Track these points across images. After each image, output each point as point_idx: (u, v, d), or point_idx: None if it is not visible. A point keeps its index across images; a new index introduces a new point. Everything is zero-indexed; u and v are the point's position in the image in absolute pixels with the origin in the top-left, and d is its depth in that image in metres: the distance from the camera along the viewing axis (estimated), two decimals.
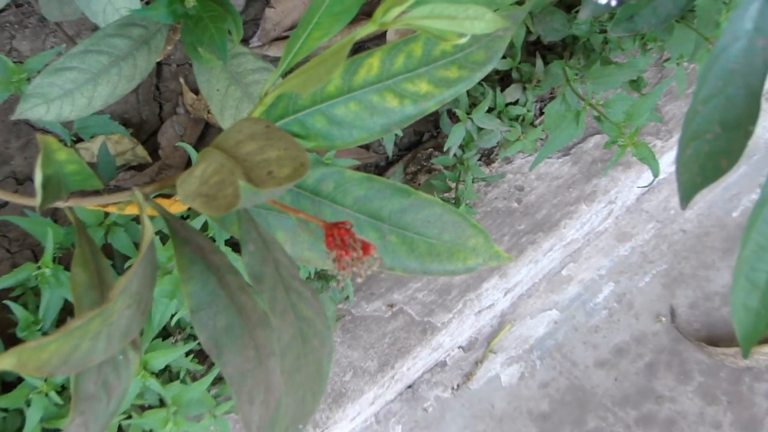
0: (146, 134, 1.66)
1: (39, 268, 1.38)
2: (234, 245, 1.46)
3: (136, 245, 1.48)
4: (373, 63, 0.95)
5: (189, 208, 1.18)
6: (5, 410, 1.41)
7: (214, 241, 1.43)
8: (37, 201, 0.90)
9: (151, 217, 1.03)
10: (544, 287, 1.82)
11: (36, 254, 1.61)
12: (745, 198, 1.87)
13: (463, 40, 0.83)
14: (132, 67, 1.28)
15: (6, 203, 1.61)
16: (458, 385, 1.77)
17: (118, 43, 1.27)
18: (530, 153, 1.66)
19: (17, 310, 1.38)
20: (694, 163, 1.06)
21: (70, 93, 1.25)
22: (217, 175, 0.78)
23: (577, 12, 1.53)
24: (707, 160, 1.04)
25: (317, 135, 0.97)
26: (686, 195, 1.00)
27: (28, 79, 1.46)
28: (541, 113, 1.65)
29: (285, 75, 0.93)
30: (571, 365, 1.78)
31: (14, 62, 1.47)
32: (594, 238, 1.85)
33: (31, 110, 1.26)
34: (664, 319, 1.80)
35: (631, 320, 1.81)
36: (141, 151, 1.61)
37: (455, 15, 0.84)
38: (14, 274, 1.41)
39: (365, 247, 0.82)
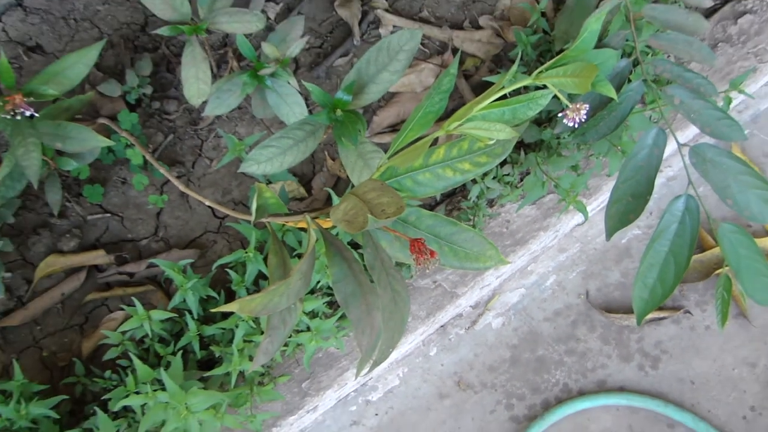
0: (305, 181, 2.00)
1: (246, 252, 1.76)
2: (356, 246, 1.83)
3: (299, 244, 1.82)
4: (440, 151, 1.28)
5: (334, 226, 1.44)
6: (223, 328, 1.75)
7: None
8: (252, 218, 1.35)
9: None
10: (518, 276, 2.19)
11: (243, 245, 1.93)
12: (630, 232, 2.25)
13: (491, 142, 1.24)
14: (305, 146, 1.57)
15: (226, 215, 1.95)
16: (468, 327, 2.17)
17: (297, 132, 1.57)
18: (515, 202, 2.00)
19: (233, 274, 1.78)
20: (615, 216, 1.42)
21: (270, 160, 1.55)
22: (353, 210, 1.12)
23: (544, 126, 1.89)
24: (623, 215, 1.42)
25: (408, 190, 1.30)
26: (610, 233, 1.44)
27: (246, 150, 1.80)
28: (521, 180, 1.95)
29: (389, 155, 1.29)
30: (530, 319, 2.19)
31: (238, 139, 1.86)
32: (546, 250, 2.20)
33: (247, 168, 1.55)
34: (582, 296, 2.22)
35: (564, 297, 2.21)
36: (302, 191, 1.97)
37: (488, 128, 1.21)
38: (233, 255, 1.78)
39: (431, 253, 1.17)
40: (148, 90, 1.98)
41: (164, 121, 1.99)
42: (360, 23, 2.06)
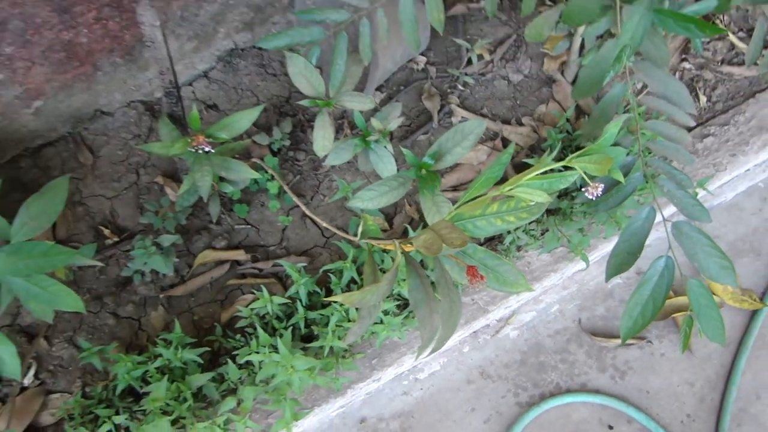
0: (388, 218, 2.00)
1: (344, 263, 1.78)
2: (424, 266, 1.96)
3: (382, 261, 1.82)
4: (494, 206, 1.27)
5: (411, 250, 1.32)
6: (322, 314, 1.76)
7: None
8: (357, 238, 1.41)
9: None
10: (531, 302, 2.15)
11: (341, 257, 1.93)
12: (614, 281, 2.21)
13: (532, 202, 1.25)
14: (396, 193, 1.57)
15: (333, 235, 1.97)
16: (492, 335, 2.12)
17: (392, 182, 1.58)
18: (535, 249, 1.98)
19: (333, 278, 1.80)
20: (614, 265, 1.44)
21: (371, 199, 1.56)
22: (431, 240, 1.15)
23: (561, 198, 1.88)
24: (619, 266, 1.45)
25: (468, 231, 1.28)
26: (609, 277, 1.46)
27: (351, 192, 1.86)
28: (542, 235, 1.96)
29: (458, 205, 1.29)
30: (537, 334, 2.14)
31: (346, 183, 1.87)
32: (554, 286, 2.16)
33: (354, 203, 1.56)
34: (576, 322, 2.17)
35: (563, 321, 2.17)
36: (385, 225, 1.98)
37: (531, 193, 1.23)
38: (334, 264, 1.80)
39: (481, 277, 1.21)
40: (287, 143, 2.00)
41: (295, 166, 2.02)
42: (438, 112, 2.08)
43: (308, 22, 1.71)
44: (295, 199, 1.79)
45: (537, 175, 1.28)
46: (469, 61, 2.13)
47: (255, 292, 1.86)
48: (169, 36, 1.95)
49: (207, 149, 1.62)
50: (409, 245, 1.32)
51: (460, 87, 2.09)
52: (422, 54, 2.14)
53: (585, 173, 1.29)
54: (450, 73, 2.11)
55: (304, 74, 1.69)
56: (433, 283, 1.28)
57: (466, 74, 2.09)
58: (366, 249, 1.54)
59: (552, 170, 1.34)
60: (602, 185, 1.30)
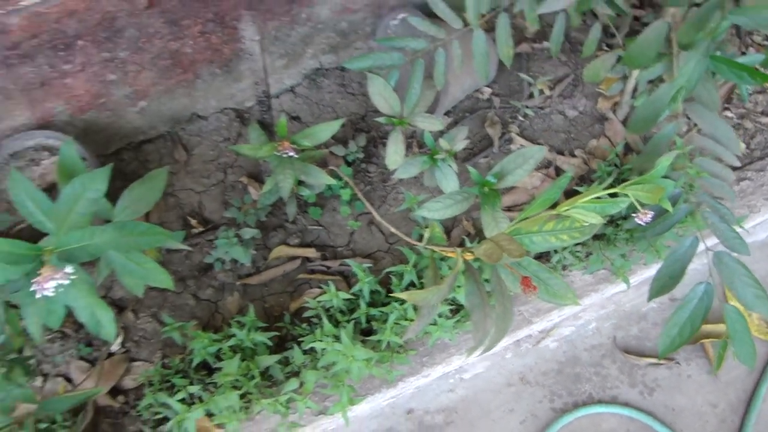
0: (447, 230, 2.02)
1: (406, 266, 1.81)
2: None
3: (439, 268, 1.78)
4: (549, 224, 1.25)
5: (475, 258, 1.30)
6: (382, 311, 1.78)
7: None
8: (423, 245, 1.43)
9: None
10: (571, 318, 2.13)
11: (402, 261, 1.94)
12: (649, 305, 2.20)
13: (586, 223, 1.25)
14: (460, 207, 1.59)
15: (396, 241, 1.98)
16: (534, 345, 2.11)
17: (457, 197, 1.59)
18: (579, 270, 1.98)
19: (394, 280, 1.84)
20: (657, 288, 1.47)
21: (438, 210, 1.58)
22: (491, 249, 1.15)
23: (607, 224, 1.87)
24: (662, 288, 1.46)
25: (525, 245, 1.26)
26: (651, 297, 1.48)
27: (417, 204, 1.91)
28: (586, 257, 1.96)
29: (517, 221, 1.29)
30: (575, 348, 2.13)
31: (413, 196, 1.92)
32: (592, 305, 2.12)
33: (422, 212, 1.58)
34: (611, 339, 2.16)
35: (599, 337, 2.16)
36: (444, 236, 1.86)
37: (586, 214, 1.24)
38: (397, 267, 1.83)
39: (534, 288, 1.21)
40: (360, 155, 2.03)
41: (366, 177, 2.05)
42: (499, 139, 2.09)
43: (389, 48, 1.74)
44: (368, 205, 1.82)
45: (591, 199, 1.29)
46: (530, 95, 2.14)
47: (322, 287, 1.89)
48: (264, 52, 1.99)
49: (291, 154, 1.66)
50: (469, 254, 1.32)
51: (520, 118, 2.11)
52: (488, 85, 2.16)
53: (637, 200, 1.30)
54: (512, 105, 2.12)
55: (383, 94, 1.72)
56: (488, 291, 1.28)
57: (527, 107, 2.11)
58: (429, 255, 1.56)
59: (600, 197, 1.35)
60: (652, 212, 1.31)
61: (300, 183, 1.90)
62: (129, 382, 1.83)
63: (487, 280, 1.57)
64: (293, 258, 1.96)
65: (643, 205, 1.31)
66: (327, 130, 1.70)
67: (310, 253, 1.96)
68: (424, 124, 1.76)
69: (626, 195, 1.32)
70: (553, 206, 1.30)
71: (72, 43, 1.71)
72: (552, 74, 2.18)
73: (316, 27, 2.01)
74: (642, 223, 1.32)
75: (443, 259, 1.84)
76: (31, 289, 1.15)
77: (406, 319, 1.76)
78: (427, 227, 1.95)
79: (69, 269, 1.16)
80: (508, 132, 2.09)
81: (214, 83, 2.01)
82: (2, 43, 1.62)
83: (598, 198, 1.27)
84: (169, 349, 1.87)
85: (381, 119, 1.74)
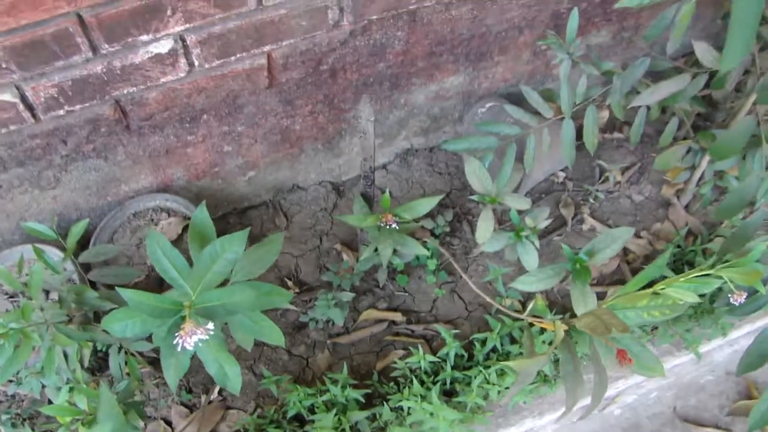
0: (522, 302, 1.97)
1: (491, 333, 1.77)
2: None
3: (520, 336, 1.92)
4: (643, 300, 1.24)
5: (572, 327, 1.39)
6: (466, 374, 1.73)
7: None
8: (525, 315, 1.36)
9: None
10: (635, 387, 2.02)
11: (480, 329, 1.89)
12: (706, 377, 2.12)
13: (681, 303, 1.23)
14: (551, 281, 1.55)
15: (475, 309, 1.94)
16: (599, 411, 2.05)
17: (549, 271, 1.55)
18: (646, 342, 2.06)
19: (477, 345, 1.78)
20: (745, 365, 1.38)
21: (530, 283, 1.55)
22: (594, 323, 1.14)
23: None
24: (750, 365, 1.38)
25: (621, 319, 1.16)
26: (740, 373, 1.40)
27: (500, 276, 2.06)
28: (652, 331, 1.89)
29: (614, 297, 1.27)
30: (637, 415, 2.05)
31: (497, 268, 1.99)
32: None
33: (517, 285, 1.59)
34: (671, 409, 2.07)
35: (660, 406, 2.08)
36: (519, 306, 1.98)
37: (682, 293, 1.23)
38: (481, 334, 1.79)
39: (630, 361, 1.19)
40: (447, 229, 2.01)
41: (450, 249, 2.03)
42: (572, 219, 2.07)
43: (485, 133, 1.74)
44: (460, 272, 1.79)
45: (687, 279, 1.26)
46: (602, 180, 2.12)
47: (409, 348, 1.85)
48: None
49: (393, 225, 1.64)
50: (564, 326, 1.28)
51: (591, 200, 2.08)
52: (561, 170, 2.14)
53: (731, 282, 1.26)
54: (584, 189, 2.10)
55: (477, 174, 1.71)
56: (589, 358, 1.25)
57: (597, 191, 2.08)
58: (526, 325, 1.52)
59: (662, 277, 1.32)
60: (746, 293, 1.27)
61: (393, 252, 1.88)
62: (224, 429, 1.79)
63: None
64: (380, 321, 1.93)
65: (737, 286, 1.27)
66: (426, 204, 1.68)
67: (397, 316, 1.93)
68: (513, 203, 1.74)
69: (719, 276, 1.29)
70: (621, 282, 1.27)
71: (197, 117, 1.72)
72: (620, 162, 2.15)
73: (412, 111, 2.02)
74: (736, 303, 1.26)
75: (521, 328, 1.81)
76: (174, 342, 1.14)
77: (488, 383, 1.72)
78: (507, 298, 1.92)
79: (210, 326, 1.14)
80: (580, 213, 2.07)
81: (316, 158, 2.01)
82: (138, 115, 1.64)
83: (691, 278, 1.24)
84: (262, 399, 1.84)
85: (474, 197, 1.72)
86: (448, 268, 1.99)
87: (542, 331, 1.78)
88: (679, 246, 1.99)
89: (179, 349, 1.11)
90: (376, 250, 1.82)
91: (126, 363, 1.53)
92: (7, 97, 1.46)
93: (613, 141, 2.21)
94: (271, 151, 1.93)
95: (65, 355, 1.48)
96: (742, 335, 1.96)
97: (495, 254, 2.00)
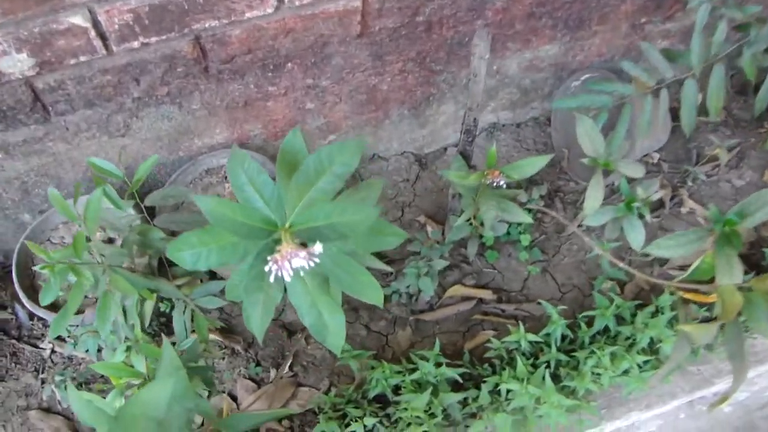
0: (620, 283, 1.52)
1: (604, 309, 1.36)
2: None
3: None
4: None
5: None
6: (572, 357, 1.32)
7: None
8: (675, 281, 0.94)
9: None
10: (747, 383, 1.52)
11: (574, 312, 1.48)
12: None
13: None
14: (692, 246, 1.11)
15: (569, 290, 1.51)
16: (708, 407, 1.53)
17: (690, 236, 1.12)
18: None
19: (582, 325, 1.35)
20: None
21: (669, 248, 1.11)
22: None
23: None
24: None
25: None
26: None
27: (603, 250, 1.65)
28: None
29: None
30: (750, 413, 1.58)
31: (603, 243, 1.63)
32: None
33: (652, 250, 1.34)
34: None
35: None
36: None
37: None
38: (594, 311, 1.42)
39: None
40: (540, 204, 1.55)
41: (541, 226, 1.57)
42: (669, 201, 1.61)
43: (597, 92, 1.30)
44: (577, 234, 1.33)
45: None
46: (698, 162, 1.66)
47: (498, 329, 1.39)
48: (449, 101, 1.57)
49: (501, 183, 1.20)
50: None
51: (689, 183, 1.62)
52: (656, 151, 1.68)
53: None
54: (680, 170, 1.65)
55: (590, 135, 1.28)
56: None
57: (697, 173, 1.61)
58: (677, 295, 1.07)
59: None
60: None
61: (481, 225, 1.42)
62: (294, 407, 1.37)
63: None
64: (468, 298, 1.48)
65: None
66: (534, 164, 1.24)
67: (486, 294, 1.47)
68: (627, 169, 1.30)
69: None
70: None
71: (281, 65, 1.30)
72: (718, 145, 1.69)
73: (503, 81, 1.59)
74: None
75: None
76: (266, 269, 0.68)
77: (601, 367, 1.24)
78: (608, 278, 1.45)
79: (318, 248, 0.68)
80: (678, 195, 1.61)
81: (401, 125, 1.58)
82: (219, 55, 1.22)
83: None
84: (337, 378, 1.41)
85: (585, 161, 1.27)
86: (541, 246, 1.53)
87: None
88: None
89: (272, 279, 0.65)
90: (468, 220, 1.37)
91: (192, 320, 1.07)
92: (78, 20, 1.07)
93: (707, 125, 1.74)
94: (355, 112, 1.50)
95: (124, 311, 1.02)
96: None
97: (589, 232, 1.53)
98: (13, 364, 1.40)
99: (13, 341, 1.44)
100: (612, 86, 1.31)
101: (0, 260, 1.50)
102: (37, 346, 1.43)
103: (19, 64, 1.12)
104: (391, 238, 0.87)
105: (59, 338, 1.41)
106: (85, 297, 1.00)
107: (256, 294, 0.75)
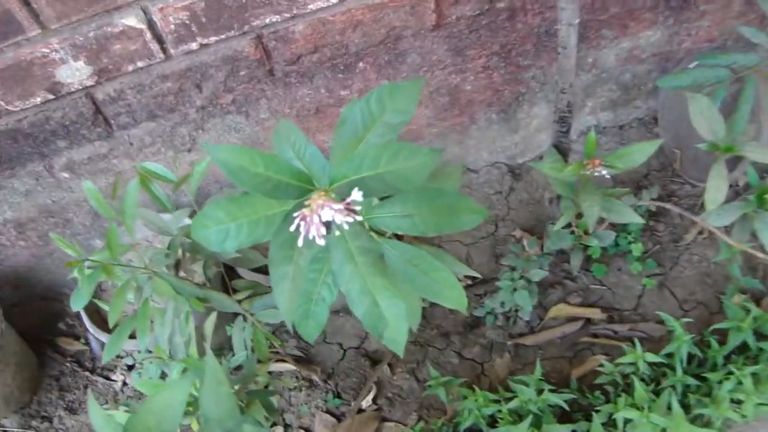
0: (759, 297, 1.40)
1: (741, 322, 1.14)
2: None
3: None
4: None
5: None
6: (702, 380, 1.11)
7: None
8: None
9: None
10: None
11: (696, 328, 1.26)
12: None
13: None
14: None
15: (693, 308, 1.31)
16: None
17: None
18: None
19: (712, 342, 1.13)
20: None
21: None
22: None
23: None
24: None
25: None
26: None
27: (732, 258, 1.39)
28: None
29: None
30: None
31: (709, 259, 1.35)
32: None
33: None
34: None
35: None
36: None
37: None
38: (728, 323, 1.23)
39: None
40: (652, 209, 1.34)
41: (654, 235, 1.37)
42: None
43: (713, 65, 1.11)
44: (734, 244, 1.12)
45: None
46: None
47: (611, 353, 1.19)
48: (541, 101, 1.41)
49: (604, 173, 1.02)
50: None
51: None
52: None
53: None
54: None
55: (706, 115, 1.09)
56: None
57: None
58: None
59: None
60: None
61: (585, 233, 1.24)
62: None
63: None
64: (573, 319, 1.28)
65: None
66: (643, 151, 1.06)
67: (595, 313, 1.28)
68: (755, 154, 1.08)
69: None
70: None
71: (352, 64, 1.19)
72: None
73: (600, 76, 1.41)
74: None
75: None
76: (291, 229, 0.54)
77: (742, 392, 1.01)
78: (740, 290, 1.22)
79: (356, 194, 0.54)
80: None
81: (489, 132, 1.44)
82: (284, 56, 1.13)
83: None
84: (426, 411, 1.25)
85: (702, 146, 1.08)
86: (656, 257, 1.32)
87: None
88: None
89: (300, 242, 0.52)
90: (569, 225, 1.19)
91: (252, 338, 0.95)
92: (132, 21, 1.01)
93: None
94: (438, 118, 1.37)
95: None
96: None
97: (712, 243, 1.31)
98: (86, 398, 1.33)
99: (87, 373, 1.37)
100: (730, 57, 1.12)
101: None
102: (109, 378, 1.35)
103: (78, 73, 1.06)
104: (468, 216, 0.71)
105: (131, 368, 1.33)
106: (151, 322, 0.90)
107: (284, 266, 0.61)
